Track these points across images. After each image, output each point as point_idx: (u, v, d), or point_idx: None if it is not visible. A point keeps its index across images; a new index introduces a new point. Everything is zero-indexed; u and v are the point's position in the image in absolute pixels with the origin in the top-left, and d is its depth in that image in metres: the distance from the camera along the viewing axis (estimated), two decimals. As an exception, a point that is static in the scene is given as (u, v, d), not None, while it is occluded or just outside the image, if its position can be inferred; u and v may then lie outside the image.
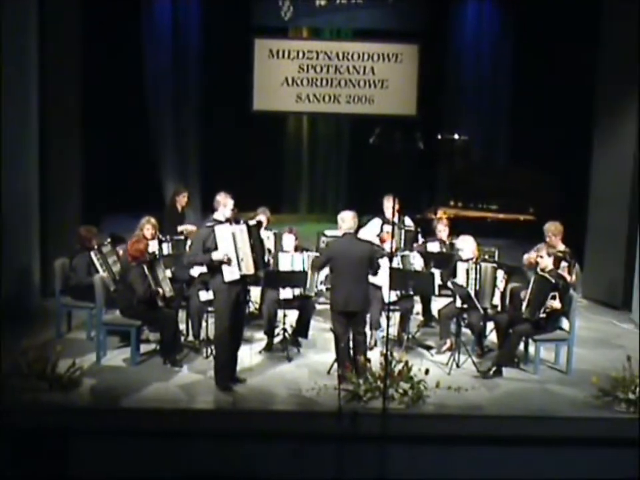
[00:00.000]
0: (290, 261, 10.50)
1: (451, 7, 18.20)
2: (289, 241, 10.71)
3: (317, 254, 10.48)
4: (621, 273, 12.73)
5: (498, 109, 18.45)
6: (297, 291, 10.35)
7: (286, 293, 10.33)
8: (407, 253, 10.94)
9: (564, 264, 10.33)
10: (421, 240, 12.15)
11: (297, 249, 10.73)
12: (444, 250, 11.40)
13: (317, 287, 10.63)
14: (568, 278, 10.19)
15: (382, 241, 10.79)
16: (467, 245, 10.32)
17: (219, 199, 9.06)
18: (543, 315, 9.59)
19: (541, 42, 16.34)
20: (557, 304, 9.57)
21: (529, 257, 10.57)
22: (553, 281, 9.58)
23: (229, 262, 8.74)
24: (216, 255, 8.76)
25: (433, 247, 11.60)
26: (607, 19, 12.95)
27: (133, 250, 9.82)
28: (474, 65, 18.39)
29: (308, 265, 10.42)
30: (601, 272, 12.98)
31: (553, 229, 10.73)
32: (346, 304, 9.14)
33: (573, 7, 14.76)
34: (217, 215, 9.03)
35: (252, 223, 9.20)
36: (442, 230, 11.67)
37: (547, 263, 9.84)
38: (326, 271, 9.84)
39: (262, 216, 11.36)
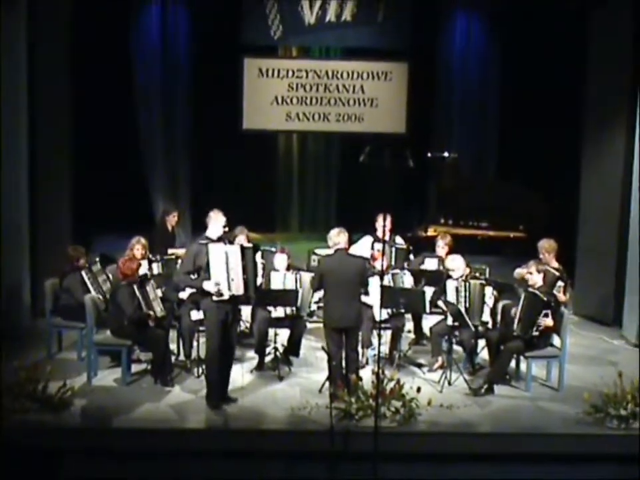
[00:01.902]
0: (282, 280, 10.50)
1: (438, 25, 18.24)
2: (281, 260, 10.71)
3: (310, 274, 10.46)
4: (612, 289, 12.74)
5: (487, 126, 18.48)
6: (288, 310, 10.34)
7: (277, 312, 10.33)
8: (397, 271, 10.94)
9: (560, 283, 10.34)
10: (412, 258, 12.15)
11: (289, 268, 10.74)
12: (441, 267, 11.33)
13: (309, 307, 10.64)
14: (562, 298, 10.20)
15: (373, 259, 10.80)
16: (456, 264, 10.32)
17: (211, 215, 9.07)
18: (535, 333, 9.61)
19: (529, 58, 16.42)
20: (549, 321, 9.58)
21: (520, 271, 10.55)
22: (545, 298, 9.59)
23: (218, 294, 8.74)
24: (207, 286, 8.77)
25: (431, 263, 11.58)
26: (595, 35, 13.01)
27: (125, 268, 9.81)
28: (463, 83, 18.42)
29: (300, 284, 10.42)
30: (592, 288, 12.99)
31: (547, 246, 10.72)
32: (339, 320, 9.16)
33: (561, 24, 14.83)
34: (209, 233, 9.02)
35: (247, 245, 9.21)
36: (442, 247, 11.60)
37: (536, 279, 9.85)
38: (320, 291, 9.85)
39: (240, 235, 11.22)
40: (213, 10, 16.84)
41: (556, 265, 10.63)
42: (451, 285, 10.16)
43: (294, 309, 10.32)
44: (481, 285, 10.11)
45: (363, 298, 9.68)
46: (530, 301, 9.66)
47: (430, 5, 17.47)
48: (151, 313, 9.75)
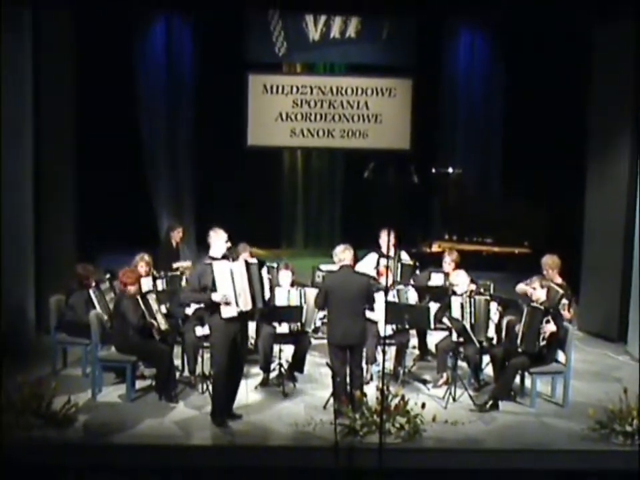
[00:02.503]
0: (286, 296, 10.48)
1: (443, 41, 18.30)
2: (285, 276, 10.70)
3: (314, 289, 10.43)
4: (616, 305, 12.71)
5: (491, 142, 18.50)
6: (293, 326, 10.33)
7: (282, 328, 10.32)
8: (402, 287, 10.93)
9: (565, 301, 10.32)
10: (418, 273, 12.14)
11: (293, 284, 10.73)
12: (447, 283, 11.31)
13: (314, 323, 10.64)
14: (567, 315, 10.19)
15: (379, 274, 10.80)
16: (460, 280, 10.33)
17: (212, 234, 9.08)
18: (543, 343, 9.58)
19: (532, 75, 16.45)
20: (552, 327, 9.55)
21: (522, 286, 10.52)
22: (543, 308, 9.59)
23: (227, 303, 8.73)
24: (215, 297, 8.74)
25: (437, 278, 11.57)
26: (598, 51, 13.03)
27: (125, 277, 9.80)
28: (467, 99, 18.49)
29: (305, 300, 10.41)
30: (597, 304, 12.97)
31: (550, 262, 10.74)
32: (343, 337, 9.14)
33: (564, 41, 14.86)
34: (213, 252, 9.03)
35: (252, 261, 9.19)
36: (448, 262, 11.58)
37: (539, 295, 9.84)
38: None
39: (243, 253, 11.18)
40: (217, 27, 16.90)
41: (559, 280, 10.63)
42: (456, 301, 10.15)
43: (298, 325, 10.32)
44: (486, 301, 10.11)
45: (368, 314, 9.67)
46: (532, 315, 9.65)
47: (434, 21, 17.51)
48: (155, 322, 9.76)
